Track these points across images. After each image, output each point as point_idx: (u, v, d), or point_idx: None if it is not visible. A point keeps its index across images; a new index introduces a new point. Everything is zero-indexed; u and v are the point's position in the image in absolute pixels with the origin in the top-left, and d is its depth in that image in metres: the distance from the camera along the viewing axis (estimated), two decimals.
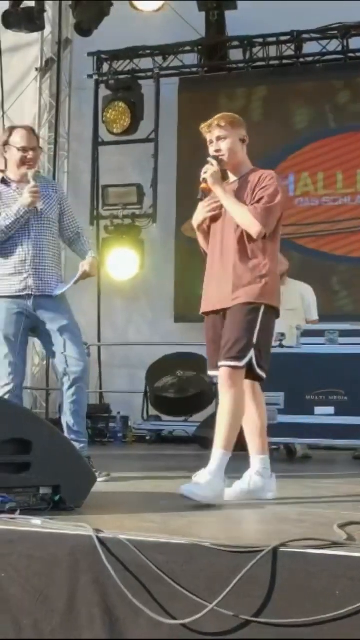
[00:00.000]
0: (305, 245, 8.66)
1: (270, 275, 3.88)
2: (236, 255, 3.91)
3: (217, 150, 4.05)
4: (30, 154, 4.64)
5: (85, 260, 4.75)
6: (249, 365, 3.82)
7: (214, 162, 4.04)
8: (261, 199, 3.89)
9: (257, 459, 3.98)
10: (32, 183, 4.56)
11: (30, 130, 4.77)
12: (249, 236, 3.88)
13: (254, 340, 3.81)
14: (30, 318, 4.62)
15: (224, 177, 4.08)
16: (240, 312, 3.86)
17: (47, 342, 4.69)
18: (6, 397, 4.38)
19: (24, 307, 4.60)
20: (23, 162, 4.64)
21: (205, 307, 4.08)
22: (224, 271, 3.98)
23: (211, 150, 4.09)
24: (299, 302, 7.16)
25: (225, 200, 3.97)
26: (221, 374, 3.86)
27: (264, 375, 3.89)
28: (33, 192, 4.53)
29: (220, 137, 4.06)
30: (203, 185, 4.06)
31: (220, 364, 3.87)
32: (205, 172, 4.04)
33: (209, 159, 4.07)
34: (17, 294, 4.59)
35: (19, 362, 4.62)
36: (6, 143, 4.66)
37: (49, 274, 4.64)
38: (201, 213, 4.08)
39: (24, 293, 4.59)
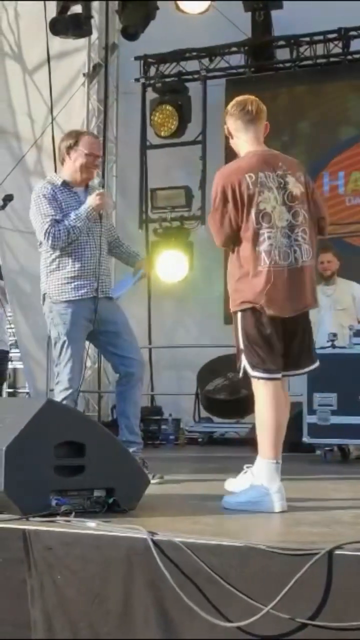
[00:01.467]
0: (355, 243, 8.58)
1: (242, 278, 3.73)
2: (229, 263, 3.89)
3: None
4: (97, 161, 4.76)
5: (138, 260, 4.90)
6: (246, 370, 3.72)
7: None
8: None
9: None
10: (102, 190, 4.70)
11: (98, 138, 4.89)
12: None
13: (241, 346, 3.75)
14: (91, 322, 4.66)
15: None
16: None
17: (106, 344, 4.73)
18: (64, 401, 4.42)
19: (89, 311, 4.64)
20: (87, 167, 4.71)
21: None
22: None
23: None
24: (350, 301, 7.10)
25: None
26: None
27: (261, 374, 3.70)
28: (102, 197, 4.63)
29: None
30: None
31: None
32: None
33: None
34: (84, 297, 4.63)
35: (80, 366, 4.69)
36: (74, 147, 4.70)
37: (108, 277, 4.78)
38: None
39: (90, 296, 4.63)
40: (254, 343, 3.70)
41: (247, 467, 3.77)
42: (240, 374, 3.78)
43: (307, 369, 3.88)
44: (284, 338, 3.73)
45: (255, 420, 3.77)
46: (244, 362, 3.71)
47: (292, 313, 3.70)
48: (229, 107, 3.94)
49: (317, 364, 3.86)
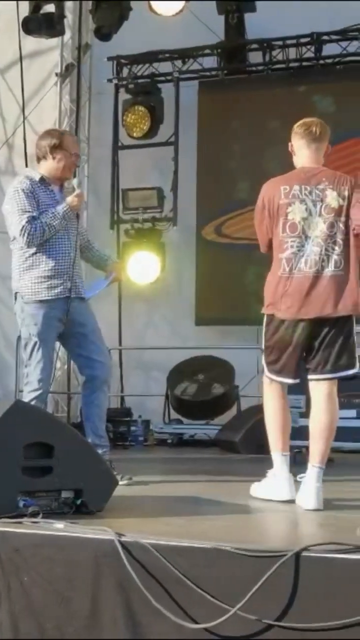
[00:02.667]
0: None
1: (268, 282, 4.06)
2: None
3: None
4: (77, 161, 4.83)
5: (110, 263, 4.91)
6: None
7: None
8: None
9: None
10: (79, 190, 4.68)
11: (75, 137, 4.93)
12: None
13: (262, 346, 4.12)
14: (63, 322, 4.63)
15: None
16: None
17: (75, 345, 4.70)
18: (33, 402, 4.39)
19: (61, 311, 4.61)
20: (70, 167, 4.75)
21: None
22: None
23: None
24: None
25: None
26: None
27: (269, 375, 4.06)
28: (80, 197, 4.64)
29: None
30: None
31: None
32: None
33: None
34: (56, 297, 4.60)
35: (50, 367, 4.65)
36: (59, 146, 4.69)
37: (80, 277, 4.74)
38: None
39: (63, 296, 4.60)
40: (268, 344, 4.05)
41: (268, 472, 4.07)
42: (263, 374, 4.13)
43: (341, 373, 3.94)
44: (312, 343, 3.92)
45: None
46: (263, 363, 4.08)
47: (311, 316, 3.89)
48: (296, 126, 4.25)
49: (354, 369, 3.97)
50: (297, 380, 3.99)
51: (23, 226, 4.52)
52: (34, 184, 4.62)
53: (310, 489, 3.71)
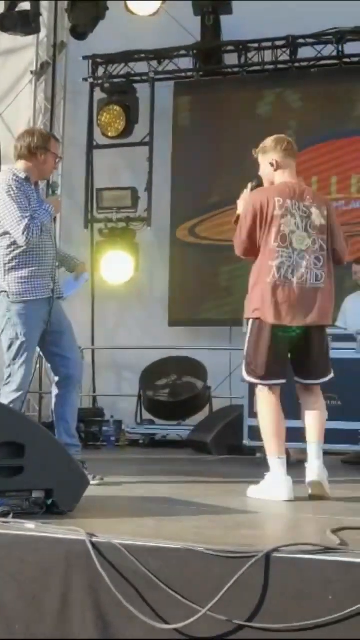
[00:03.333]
0: None
1: (254, 287, 4.18)
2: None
3: (258, 175, 4.42)
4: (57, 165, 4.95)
5: (78, 264, 4.95)
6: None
7: (249, 186, 4.44)
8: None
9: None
10: (59, 193, 4.74)
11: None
12: None
13: (244, 352, 4.22)
14: (46, 322, 4.63)
15: None
16: None
17: (51, 344, 4.68)
18: (12, 404, 4.37)
19: (45, 312, 4.61)
20: (52, 170, 4.89)
21: None
22: None
23: None
24: None
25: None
26: None
27: (250, 379, 4.24)
28: (59, 201, 4.80)
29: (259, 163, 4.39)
30: (238, 212, 4.46)
31: None
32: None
33: (248, 184, 4.47)
34: (41, 297, 4.60)
35: (32, 369, 4.66)
36: (45, 148, 4.69)
37: (58, 277, 4.77)
38: None
39: (47, 296, 4.61)
40: (254, 350, 4.14)
41: (266, 475, 4.21)
42: (242, 379, 4.32)
43: (323, 379, 4.31)
44: (298, 349, 4.20)
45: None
46: (243, 368, 4.19)
47: (296, 324, 4.14)
48: (275, 142, 4.35)
49: (331, 375, 4.32)
50: (285, 380, 4.22)
51: (26, 225, 4.48)
52: (21, 182, 4.61)
53: (311, 467, 4.14)
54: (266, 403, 4.19)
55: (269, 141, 4.35)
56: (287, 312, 4.09)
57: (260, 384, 4.18)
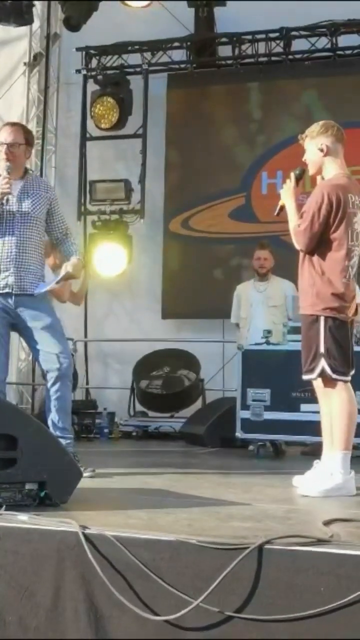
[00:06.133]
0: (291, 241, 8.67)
1: (325, 285, 4.11)
2: (302, 265, 4.23)
3: (303, 161, 4.30)
4: (9, 149, 4.61)
5: (69, 261, 4.75)
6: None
7: (292, 175, 4.31)
8: (303, 214, 4.18)
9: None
10: (4, 174, 4.58)
11: (12, 126, 4.74)
12: None
13: (321, 350, 4.13)
14: (11, 315, 4.60)
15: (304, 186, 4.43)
16: (303, 323, 4.25)
17: (30, 340, 4.67)
18: None
19: (5, 304, 4.58)
20: (6, 157, 4.63)
21: None
22: (299, 276, 4.30)
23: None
24: (282, 299, 7.21)
25: (289, 216, 4.26)
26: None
27: (341, 377, 4.12)
28: (3, 185, 4.53)
29: (304, 149, 4.28)
30: (281, 203, 4.34)
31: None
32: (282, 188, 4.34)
33: (290, 173, 4.33)
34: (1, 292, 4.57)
35: (2, 357, 4.61)
36: None
37: (30, 273, 4.62)
38: None
39: (4, 291, 4.57)
40: (337, 347, 4.11)
41: (316, 463, 4.15)
42: (315, 376, 4.15)
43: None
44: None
45: (335, 418, 4.10)
46: (324, 365, 4.09)
47: (354, 317, 4.23)
48: (324, 126, 4.22)
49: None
50: None
51: None
52: None
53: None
54: (348, 398, 4.10)
55: (317, 126, 4.23)
56: (352, 306, 4.16)
57: (344, 380, 4.12)
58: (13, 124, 4.82)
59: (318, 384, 4.20)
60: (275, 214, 4.38)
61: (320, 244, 4.12)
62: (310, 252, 4.15)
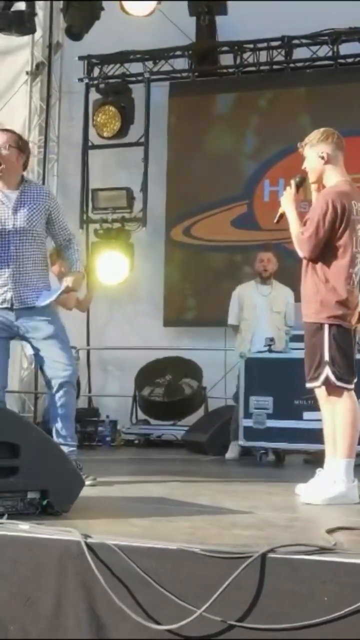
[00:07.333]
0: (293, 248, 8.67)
1: (330, 293, 4.10)
2: (305, 273, 4.21)
3: (303, 169, 4.27)
4: None
5: (70, 273, 4.73)
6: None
7: (293, 183, 4.28)
8: (307, 220, 4.15)
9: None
10: None
11: (1, 131, 4.66)
12: None
13: (326, 358, 4.10)
14: (13, 327, 4.58)
15: (305, 194, 4.34)
16: (307, 331, 4.21)
17: (35, 350, 4.66)
18: None
19: (5, 317, 4.55)
20: None
21: None
22: (302, 284, 4.26)
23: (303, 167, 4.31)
24: (284, 306, 7.18)
25: (290, 223, 4.24)
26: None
27: (345, 385, 4.11)
28: None
29: (304, 157, 4.25)
30: (281, 210, 4.31)
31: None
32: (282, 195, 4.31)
33: (291, 181, 4.31)
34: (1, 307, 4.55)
35: (1, 365, 4.60)
36: None
37: (29, 287, 4.56)
38: None
39: (3, 306, 4.54)
40: (341, 355, 4.09)
41: (319, 471, 4.13)
42: (320, 384, 4.12)
43: None
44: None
45: (339, 425, 4.08)
46: (329, 373, 4.07)
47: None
48: (324, 134, 4.21)
49: None
50: None
51: None
52: None
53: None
54: (352, 406, 4.09)
55: (317, 133, 4.22)
56: (355, 314, 4.15)
57: (348, 388, 4.11)
58: (3, 129, 4.77)
59: (320, 392, 4.19)
60: (275, 221, 4.36)
61: (324, 252, 4.11)
62: (314, 259, 4.14)
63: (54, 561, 2.63)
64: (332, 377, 4.07)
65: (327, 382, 4.10)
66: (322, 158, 4.17)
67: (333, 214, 4.06)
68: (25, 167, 4.74)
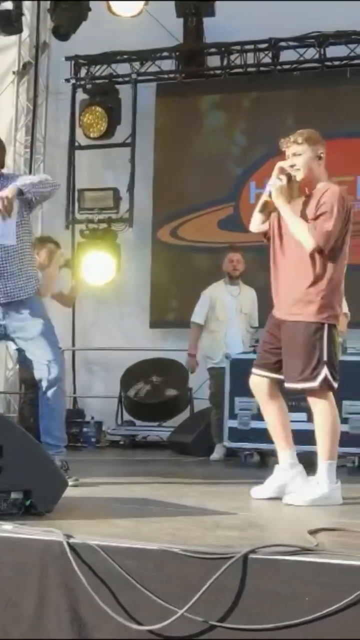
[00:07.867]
0: None
1: (330, 293, 4.08)
2: (293, 270, 4.10)
3: (292, 166, 4.17)
4: None
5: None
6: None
7: (283, 177, 4.17)
8: (322, 214, 4.04)
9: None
10: None
11: None
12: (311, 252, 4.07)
13: (324, 357, 4.06)
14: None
15: (292, 193, 4.22)
16: (299, 330, 4.09)
17: (21, 350, 4.65)
18: None
19: None
20: None
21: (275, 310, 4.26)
22: (285, 282, 4.15)
23: (286, 164, 4.20)
24: (251, 307, 7.22)
25: (285, 214, 4.13)
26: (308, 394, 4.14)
27: (335, 385, 4.12)
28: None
29: (296, 153, 4.17)
30: (266, 198, 4.20)
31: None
32: (271, 185, 4.19)
33: (280, 175, 4.19)
34: None
35: None
36: None
37: (14, 278, 4.54)
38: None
39: None
40: (334, 356, 4.09)
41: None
42: (317, 384, 4.04)
43: None
44: None
45: (322, 427, 4.09)
46: (327, 373, 4.03)
47: None
48: (318, 134, 4.22)
49: None
50: None
51: None
52: None
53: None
54: (334, 408, 4.09)
55: (314, 133, 4.21)
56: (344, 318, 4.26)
57: (335, 390, 4.11)
58: None
59: (289, 388, 4.17)
60: (259, 210, 4.27)
61: (330, 252, 4.09)
62: (332, 258, 4.07)
63: (36, 561, 2.62)
64: (330, 378, 4.04)
65: (324, 383, 4.04)
66: (320, 158, 4.18)
67: (345, 213, 4.09)
68: (2, 165, 4.74)
